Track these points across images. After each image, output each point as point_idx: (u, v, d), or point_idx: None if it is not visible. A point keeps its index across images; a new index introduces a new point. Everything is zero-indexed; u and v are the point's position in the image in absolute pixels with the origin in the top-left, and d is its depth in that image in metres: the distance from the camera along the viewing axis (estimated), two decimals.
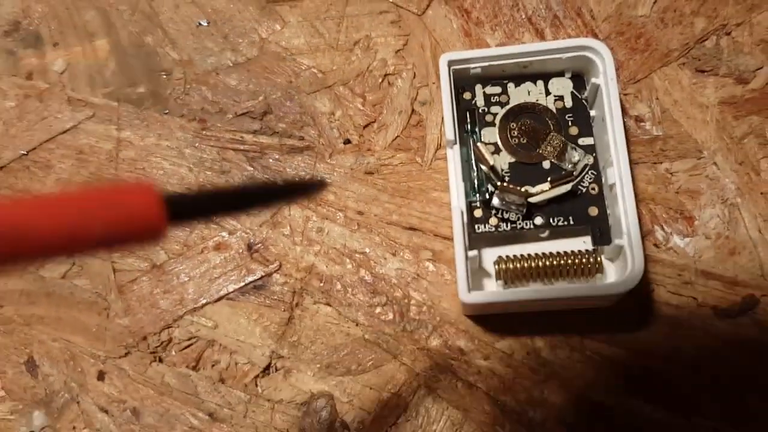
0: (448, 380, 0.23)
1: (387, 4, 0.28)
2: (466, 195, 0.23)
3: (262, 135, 0.27)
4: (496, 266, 0.23)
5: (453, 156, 0.23)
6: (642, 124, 0.25)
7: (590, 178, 0.23)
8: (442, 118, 0.25)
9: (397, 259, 0.25)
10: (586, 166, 0.23)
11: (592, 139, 0.24)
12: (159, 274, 0.25)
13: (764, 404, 0.22)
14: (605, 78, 0.23)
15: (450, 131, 0.23)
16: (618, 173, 0.22)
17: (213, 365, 0.24)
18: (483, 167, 0.23)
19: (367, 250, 0.25)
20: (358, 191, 0.26)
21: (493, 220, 0.23)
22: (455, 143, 0.23)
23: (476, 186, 0.24)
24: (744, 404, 0.22)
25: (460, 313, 0.24)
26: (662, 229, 0.24)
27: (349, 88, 0.27)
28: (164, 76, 0.28)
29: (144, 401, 0.24)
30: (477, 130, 0.24)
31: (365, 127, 0.27)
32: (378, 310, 0.24)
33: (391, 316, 0.24)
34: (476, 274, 0.23)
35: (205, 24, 0.29)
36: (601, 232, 0.23)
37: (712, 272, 0.23)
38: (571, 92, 0.24)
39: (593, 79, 0.23)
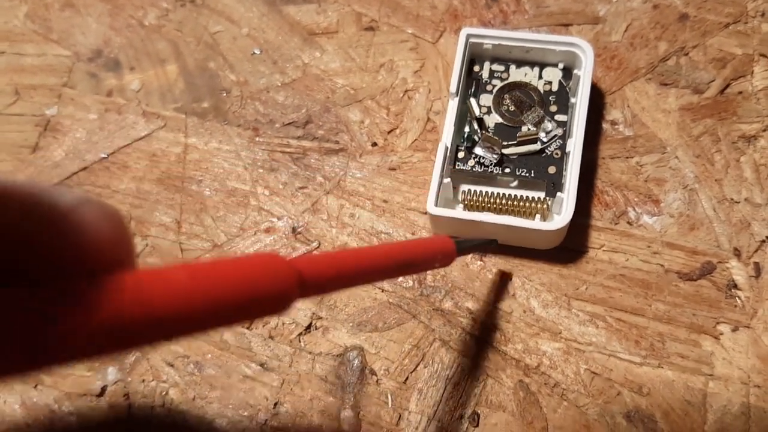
0: (458, 334, 0.28)
1: (407, 35, 0.34)
2: (454, 138, 0.29)
3: (304, 140, 0.33)
4: (462, 194, 0.28)
5: (452, 106, 0.29)
6: (617, 126, 0.30)
7: (557, 146, 0.29)
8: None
9: (415, 238, 0.30)
10: (555, 136, 0.29)
11: (566, 117, 0.29)
12: (219, 252, 0.31)
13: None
14: (584, 71, 0.28)
15: (454, 86, 0.29)
16: (573, 143, 0.27)
17: (264, 325, 0.29)
18: (475, 124, 0.29)
19: (391, 231, 0.30)
20: (384, 184, 0.31)
21: (471, 162, 0.29)
22: (456, 96, 0.29)
23: (466, 136, 0.30)
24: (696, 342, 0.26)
25: (467, 280, 0.28)
26: (634, 209, 0.29)
27: (376, 101, 0.33)
28: (224, 94, 0.34)
29: (205, 356, 0.28)
30: (477, 95, 0.30)
31: (389, 132, 0.32)
32: (400, 279, 0.29)
33: (410, 283, 0.29)
34: (449, 203, 0.29)
35: (258, 52, 0.35)
36: (555, 186, 0.28)
37: (676, 244, 0.28)
38: (559, 81, 0.30)
39: (576, 71, 0.29)
